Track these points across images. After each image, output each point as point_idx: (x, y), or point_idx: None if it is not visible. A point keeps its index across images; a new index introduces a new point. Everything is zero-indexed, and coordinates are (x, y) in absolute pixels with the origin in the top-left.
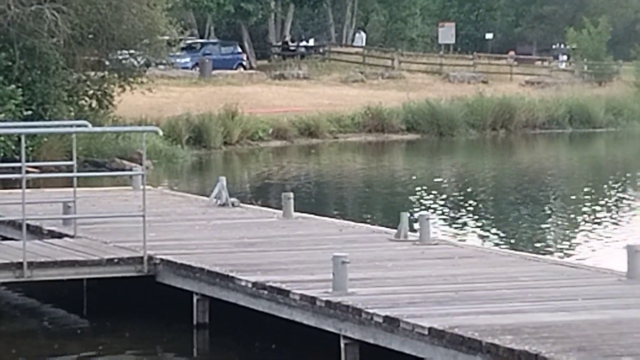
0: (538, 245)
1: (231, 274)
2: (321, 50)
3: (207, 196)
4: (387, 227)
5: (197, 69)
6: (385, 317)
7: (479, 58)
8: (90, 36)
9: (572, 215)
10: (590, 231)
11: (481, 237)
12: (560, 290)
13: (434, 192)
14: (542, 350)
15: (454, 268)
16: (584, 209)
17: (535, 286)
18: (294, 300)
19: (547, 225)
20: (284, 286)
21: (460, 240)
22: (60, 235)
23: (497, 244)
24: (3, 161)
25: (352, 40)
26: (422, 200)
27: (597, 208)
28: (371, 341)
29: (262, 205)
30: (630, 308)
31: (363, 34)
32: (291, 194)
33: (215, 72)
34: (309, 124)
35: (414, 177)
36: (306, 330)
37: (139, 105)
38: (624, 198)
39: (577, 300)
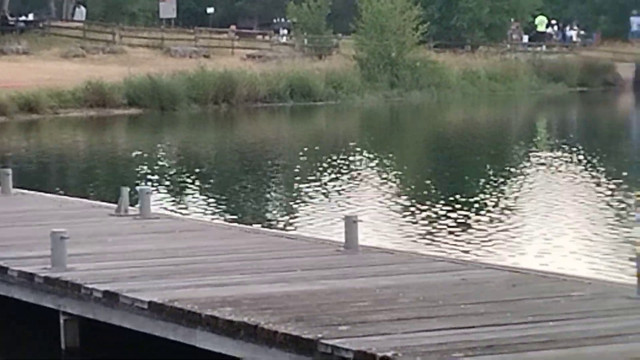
0: (259, 217)
1: None
2: (41, 24)
3: None
4: (108, 202)
5: None
6: (105, 292)
7: (201, 32)
8: None
9: (294, 188)
10: (310, 203)
11: (203, 210)
12: (280, 261)
13: (156, 166)
14: (260, 321)
15: (175, 242)
16: (306, 181)
17: (255, 258)
18: (12, 277)
19: (269, 198)
20: (1, 263)
21: (181, 214)
22: None
23: (219, 218)
24: None
25: (73, 15)
26: (143, 175)
27: (318, 180)
28: (91, 316)
29: None
30: (348, 278)
31: (83, 9)
32: (9, 170)
33: None
34: (29, 99)
35: (135, 152)
36: (26, 307)
37: None
38: (343, 169)
39: (297, 271)
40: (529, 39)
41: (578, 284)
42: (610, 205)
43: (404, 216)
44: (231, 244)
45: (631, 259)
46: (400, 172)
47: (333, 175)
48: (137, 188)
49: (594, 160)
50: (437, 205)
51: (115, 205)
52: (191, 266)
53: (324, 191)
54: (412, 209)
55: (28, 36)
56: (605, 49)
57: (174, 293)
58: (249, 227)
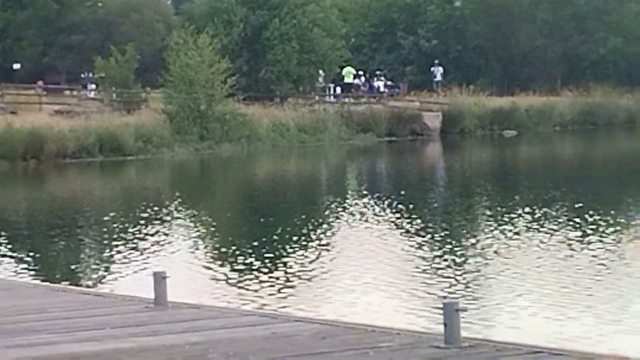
0: (68, 275)
1: None
2: None
3: None
4: None
5: None
6: None
7: (7, 88)
8: None
9: (102, 244)
10: (119, 259)
11: (13, 271)
12: (89, 319)
13: None
14: None
15: None
16: (115, 237)
17: (64, 317)
18: None
19: (77, 255)
20: None
21: None
22: None
23: (26, 276)
24: None
25: None
26: None
27: (127, 236)
28: None
29: None
30: (158, 334)
31: None
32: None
33: None
34: None
35: None
36: None
37: None
38: (152, 224)
39: (106, 329)
40: (338, 90)
41: (387, 335)
42: (418, 255)
43: (214, 270)
44: (39, 302)
45: (439, 309)
46: (210, 226)
47: (142, 231)
48: None
49: (403, 210)
50: (247, 258)
51: None
52: None
53: (133, 247)
54: (222, 262)
55: None
56: (412, 98)
57: None
58: (56, 285)
